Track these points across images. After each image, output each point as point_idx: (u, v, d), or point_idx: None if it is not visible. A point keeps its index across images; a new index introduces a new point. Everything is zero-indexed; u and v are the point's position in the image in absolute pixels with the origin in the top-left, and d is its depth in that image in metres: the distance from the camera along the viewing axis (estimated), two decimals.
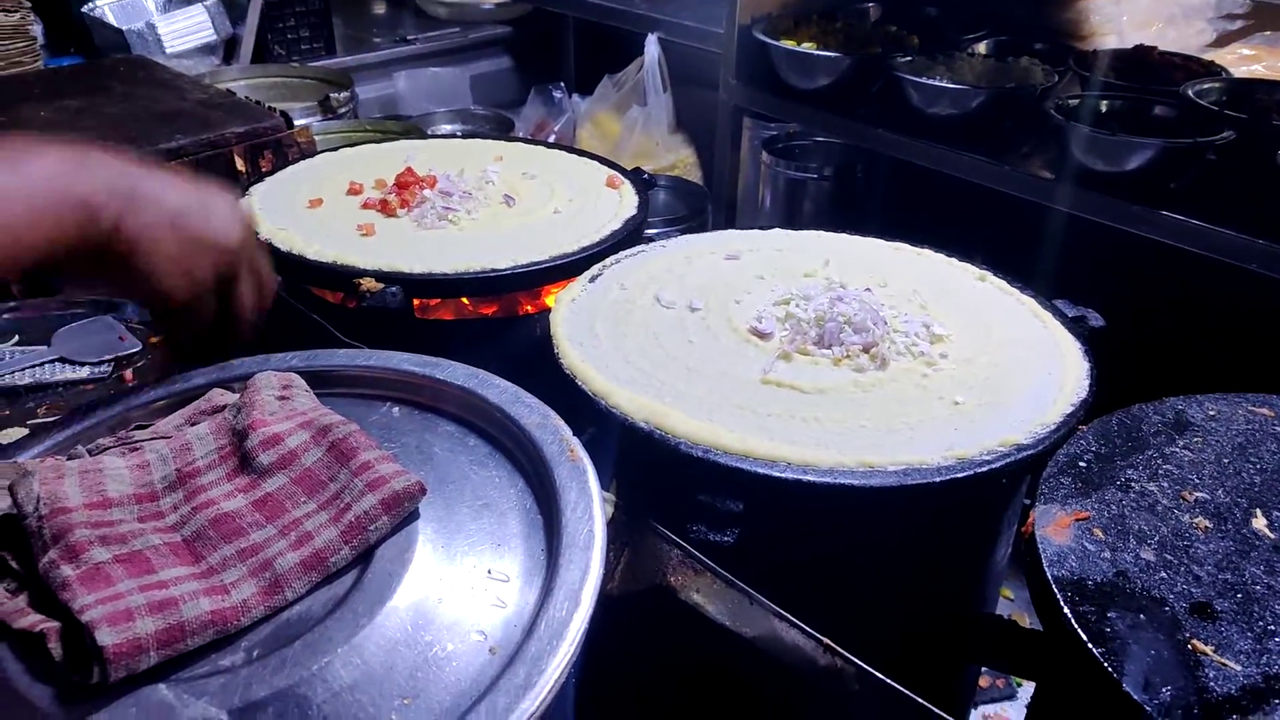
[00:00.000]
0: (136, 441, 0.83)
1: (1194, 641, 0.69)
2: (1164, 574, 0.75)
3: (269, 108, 1.99)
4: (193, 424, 0.86)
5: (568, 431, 0.84)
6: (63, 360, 1.31)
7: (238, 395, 0.86)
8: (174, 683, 0.62)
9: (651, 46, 2.62)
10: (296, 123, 1.98)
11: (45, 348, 1.32)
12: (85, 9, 2.66)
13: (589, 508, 0.75)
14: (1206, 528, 0.80)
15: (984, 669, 1.41)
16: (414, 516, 0.76)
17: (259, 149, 1.84)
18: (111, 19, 2.63)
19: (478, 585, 0.71)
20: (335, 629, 0.66)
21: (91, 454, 0.81)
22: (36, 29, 2.48)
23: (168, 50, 2.52)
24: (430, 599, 0.69)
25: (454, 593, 0.70)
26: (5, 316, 1.39)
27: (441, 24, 3.12)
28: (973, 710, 1.37)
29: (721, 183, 2.13)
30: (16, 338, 1.36)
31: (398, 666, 0.64)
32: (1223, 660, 0.68)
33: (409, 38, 2.99)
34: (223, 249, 0.85)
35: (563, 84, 2.96)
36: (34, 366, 1.28)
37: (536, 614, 0.67)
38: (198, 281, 0.85)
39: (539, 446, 0.82)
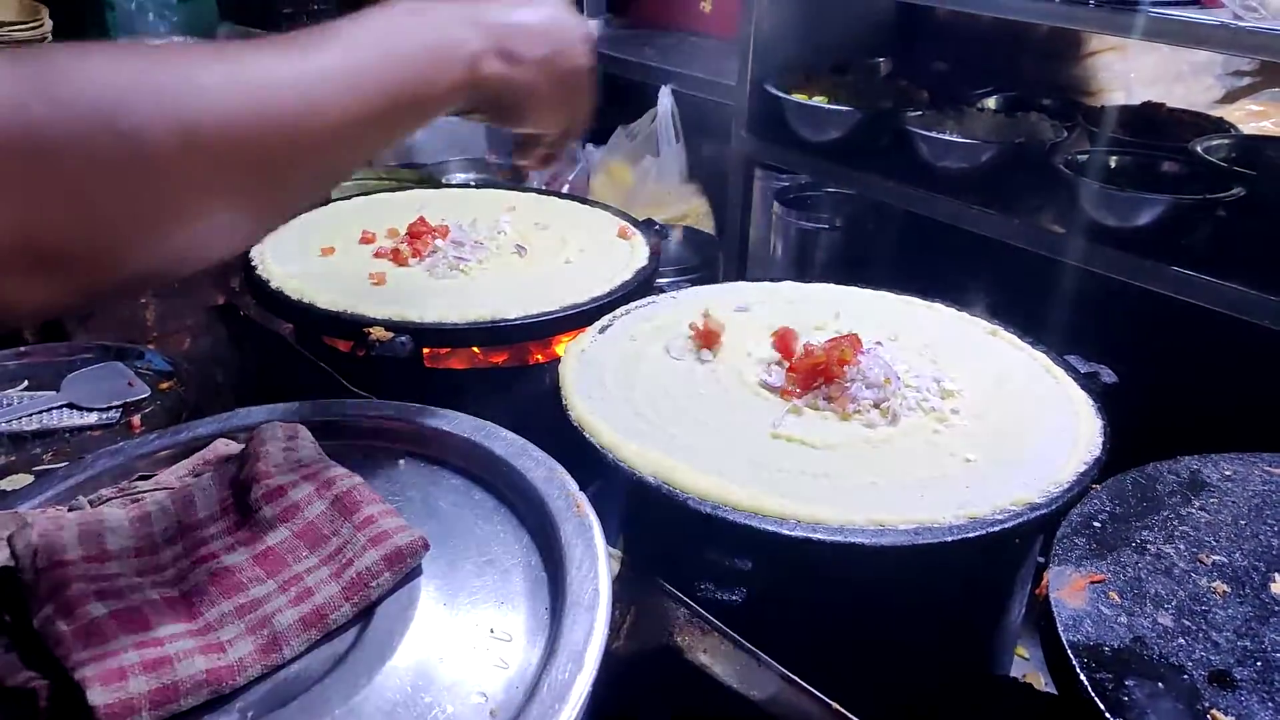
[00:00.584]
0: (139, 492, 0.83)
1: (1214, 712, 0.67)
2: (1182, 640, 0.73)
3: None
4: (196, 475, 0.85)
5: (574, 486, 0.83)
6: (71, 406, 1.31)
7: (242, 446, 0.85)
8: None
9: (665, 98, 2.65)
10: None
11: (54, 393, 1.33)
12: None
13: (594, 565, 0.74)
14: (1225, 592, 0.78)
15: None
16: (417, 572, 0.75)
17: None
18: None
19: (480, 645, 0.70)
20: (334, 689, 0.65)
21: (93, 505, 0.81)
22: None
23: None
24: (431, 659, 0.68)
25: (455, 652, 0.69)
26: (14, 363, 1.40)
27: None
28: None
29: (732, 232, 2.13)
30: (25, 383, 1.36)
31: None
32: None
33: None
34: (583, 81, 0.86)
35: None
36: (42, 412, 1.29)
37: (539, 676, 0.65)
38: (567, 118, 0.88)
39: (545, 501, 0.81)
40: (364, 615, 0.71)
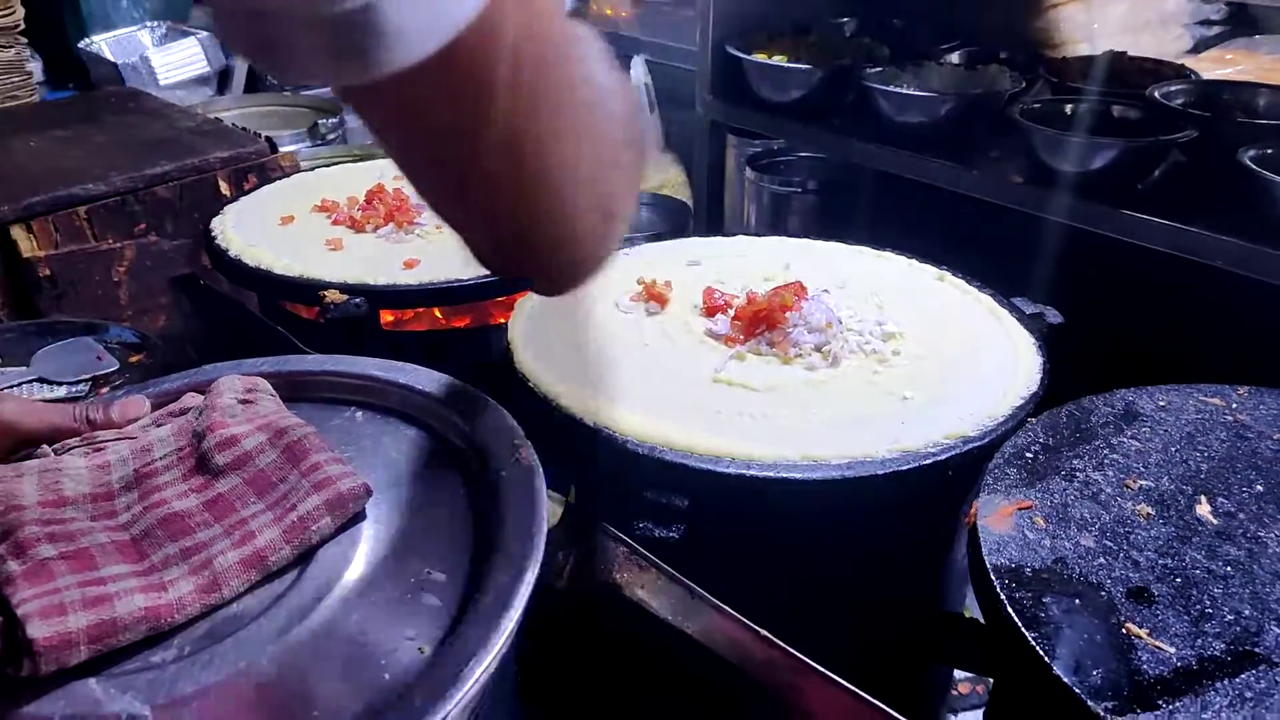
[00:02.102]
0: (101, 442, 0.84)
1: (1128, 625, 0.69)
2: (1103, 560, 0.75)
3: (254, 133, 2.02)
4: (158, 425, 0.87)
5: (520, 434, 0.85)
6: (41, 380, 1.32)
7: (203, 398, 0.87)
8: (104, 678, 0.63)
9: (637, 67, 2.64)
10: (282, 148, 2.02)
11: (24, 368, 1.34)
12: (82, 44, 2.71)
13: (532, 508, 0.76)
14: (1149, 514, 0.80)
15: (964, 675, 1.40)
16: (360, 517, 0.77)
17: (243, 173, 1.88)
18: (108, 54, 2.68)
19: (415, 586, 0.72)
20: (268, 627, 0.67)
21: (56, 454, 0.82)
22: (34, 65, 2.53)
23: (161, 82, 2.57)
24: (367, 599, 0.70)
25: (390, 594, 0.71)
26: None
27: None
28: (951, 716, 1.36)
29: (702, 197, 2.14)
30: None
31: (328, 665, 0.65)
32: (1156, 643, 0.67)
33: None
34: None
35: None
36: (12, 387, 1.30)
37: (465, 613, 0.67)
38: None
39: (490, 448, 0.83)
40: (305, 559, 0.73)
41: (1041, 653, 0.66)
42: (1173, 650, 0.67)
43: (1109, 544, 0.77)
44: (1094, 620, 0.69)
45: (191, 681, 0.63)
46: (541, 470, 0.81)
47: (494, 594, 0.68)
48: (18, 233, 1.66)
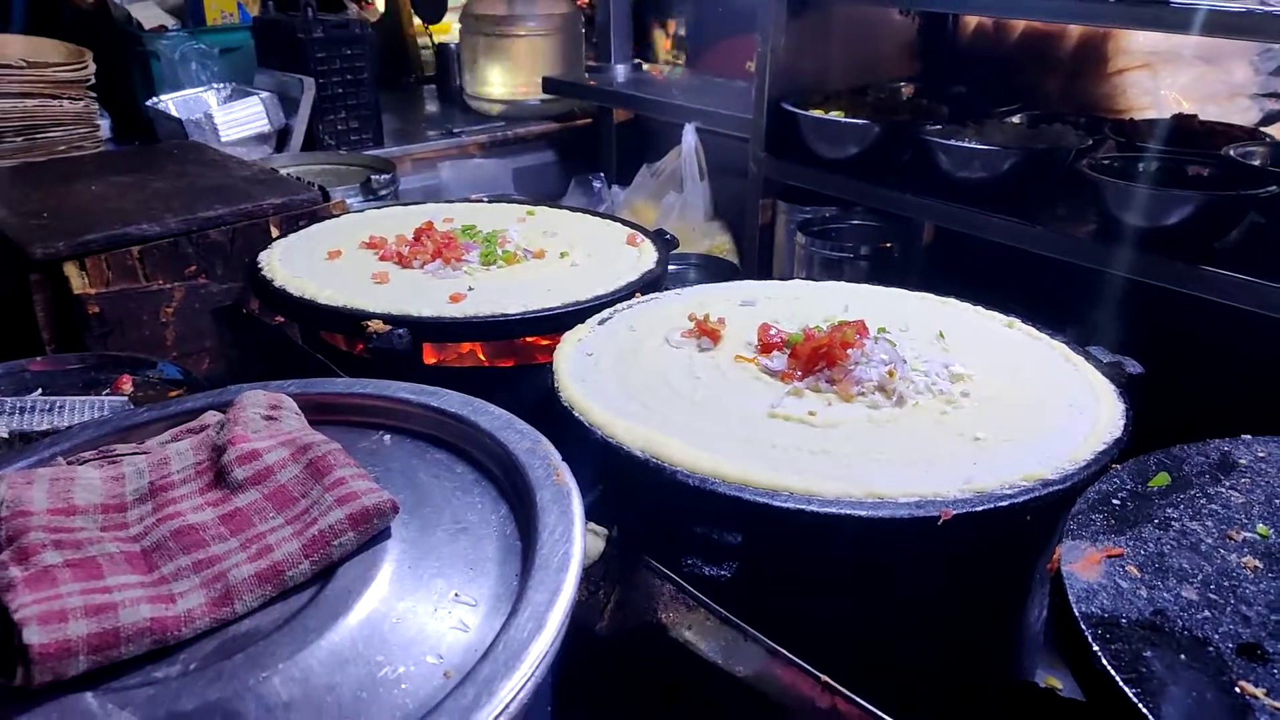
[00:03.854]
0: (117, 455, 0.81)
1: (1242, 683, 0.60)
2: (1208, 613, 0.67)
3: (308, 183, 2.04)
4: (176, 440, 0.84)
5: (557, 457, 0.80)
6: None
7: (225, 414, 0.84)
8: (103, 691, 0.58)
9: (689, 135, 2.65)
10: (333, 199, 2.03)
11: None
12: (150, 102, 2.79)
13: (569, 531, 0.70)
14: (1256, 567, 0.71)
15: None
16: (385, 536, 0.72)
17: (295, 219, 1.88)
18: (173, 110, 2.76)
19: (442, 608, 0.66)
20: (281, 644, 0.61)
21: (70, 464, 0.79)
22: (103, 121, 2.60)
23: (222, 139, 2.62)
24: (389, 619, 0.65)
25: (415, 614, 0.65)
26: (28, 372, 1.40)
27: (489, 120, 3.21)
28: None
29: (751, 259, 2.11)
30: (40, 390, 1.37)
31: (342, 686, 0.59)
32: (1275, 704, 0.59)
33: (455, 131, 3.08)
34: None
35: (602, 174, 3.01)
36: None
37: (497, 636, 0.61)
38: None
39: (525, 471, 0.78)
40: (325, 575, 0.68)
41: (1146, 711, 0.58)
42: None
43: (1214, 597, 0.68)
44: (1203, 677, 0.61)
45: (195, 699, 0.57)
46: (579, 493, 0.75)
47: (528, 616, 0.62)
48: (70, 270, 1.66)
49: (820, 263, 2.19)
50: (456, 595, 0.68)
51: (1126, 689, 0.60)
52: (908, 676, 0.83)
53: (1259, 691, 0.60)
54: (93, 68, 2.44)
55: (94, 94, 2.45)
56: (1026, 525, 0.80)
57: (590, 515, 0.88)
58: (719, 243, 2.78)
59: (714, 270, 2.34)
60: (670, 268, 2.43)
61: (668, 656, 0.73)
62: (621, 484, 0.84)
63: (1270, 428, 0.93)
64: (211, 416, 0.87)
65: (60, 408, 1.28)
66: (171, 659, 0.61)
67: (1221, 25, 1.21)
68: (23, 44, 2.50)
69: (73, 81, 2.38)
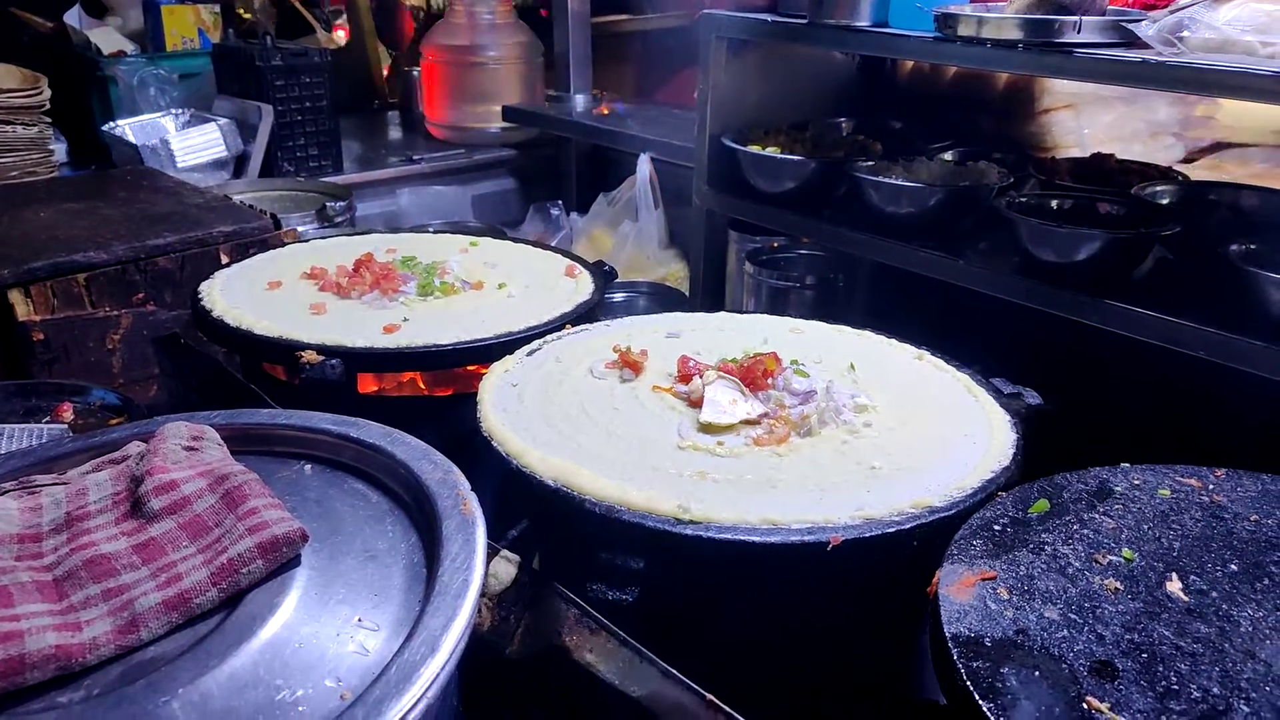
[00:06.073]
0: (36, 486, 0.83)
1: (1089, 699, 0.65)
2: (1066, 632, 0.71)
3: (260, 210, 2.07)
4: (97, 470, 0.86)
5: (466, 486, 0.83)
6: None
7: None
8: (7, 716, 0.60)
9: (643, 165, 2.71)
10: (288, 228, 2.06)
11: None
12: (106, 127, 2.81)
13: (470, 559, 0.74)
14: (1117, 589, 0.76)
15: None
16: (295, 563, 0.75)
17: (245, 247, 1.91)
18: (130, 136, 2.77)
19: (344, 633, 0.69)
20: (183, 669, 0.64)
21: None
22: (58, 145, 2.61)
23: (179, 164, 2.64)
24: (291, 644, 0.67)
25: (317, 639, 0.68)
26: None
27: (450, 146, 3.25)
28: None
29: (699, 287, 2.16)
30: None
31: (240, 709, 0.62)
32: (1118, 718, 0.63)
33: (415, 158, 3.11)
34: None
35: (560, 202, 3.05)
36: None
37: (391, 659, 0.64)
38: None
39: (434, 500, 0.81)
40: (233, 602, 0.71)
41: None
42: None
43: (1074, 617, 0.73)
44: (1054, 692, 0.66)
45: None
46: (483, 522, 0.79)
47: (422, 640, 0.65)
48: (15, 297, 1.68)
49: (768, 292, 2.24)
50: (360, 620, 0.71)
51: (981, 703, 0.64)
52: (807, 696, 0.87)
53: (1103, 706, 0.64)
54: (48, 94, 2.45)
55: (49, 119, 2.46)
56: (915, 550, 0.84)
57: (518, 543, 0.92)
58: (674, 270, 2.83)
59: (663, 298, 2.38)
60: (620, 295, 2.50)
61: (571, 679, 0.76)
62: (535, 511, 0.88)
63: (1160, 455, 0.98)
64: (134, 447, 0.90)
65: None
66: (76, 685, 0.63)
67: (1120, 74, 1.28)
68: None
69: (27, 108, 2.40)
